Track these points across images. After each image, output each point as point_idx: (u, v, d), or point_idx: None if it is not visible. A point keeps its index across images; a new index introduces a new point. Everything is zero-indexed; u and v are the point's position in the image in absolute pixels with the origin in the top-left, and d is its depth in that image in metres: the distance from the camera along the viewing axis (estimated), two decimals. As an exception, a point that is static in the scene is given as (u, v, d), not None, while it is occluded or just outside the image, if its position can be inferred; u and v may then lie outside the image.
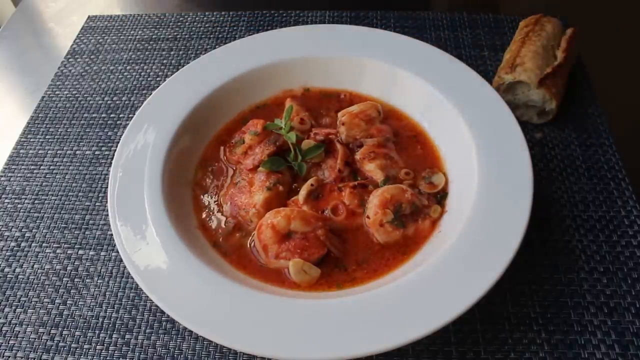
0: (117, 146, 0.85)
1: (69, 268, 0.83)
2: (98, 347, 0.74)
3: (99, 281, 0.81)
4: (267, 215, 0.77)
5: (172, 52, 1.16)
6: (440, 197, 0.83)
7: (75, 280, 0.81)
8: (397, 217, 0.78)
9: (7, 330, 0.77)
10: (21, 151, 0.99)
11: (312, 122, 0.93)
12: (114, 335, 0.75)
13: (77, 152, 0.99)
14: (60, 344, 0.75)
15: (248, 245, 0.78)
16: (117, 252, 0.82)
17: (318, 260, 0.76)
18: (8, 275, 0.83)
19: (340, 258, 0.77)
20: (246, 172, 0.86)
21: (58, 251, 0.85)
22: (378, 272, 0.76)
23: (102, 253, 0.84)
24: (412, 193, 0.81)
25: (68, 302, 0.79)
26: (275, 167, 0.84)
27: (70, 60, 1.16)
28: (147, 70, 1.12)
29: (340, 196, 0.82)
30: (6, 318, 0.78)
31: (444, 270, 0.70)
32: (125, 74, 1.12)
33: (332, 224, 0.79)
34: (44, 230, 0.88)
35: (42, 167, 0.97)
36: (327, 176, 0.85)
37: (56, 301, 0.79)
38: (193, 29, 1.21)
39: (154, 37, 1.20)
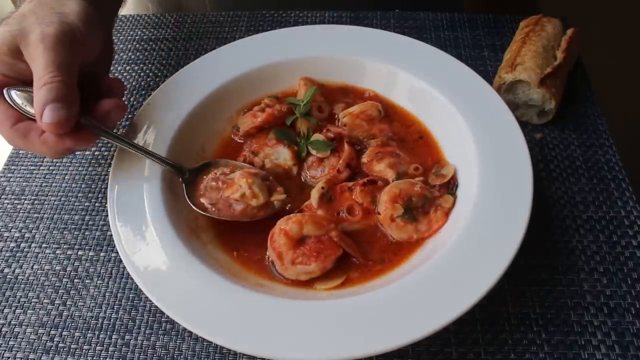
0: (117, 147, 0.85)
1: (68, 269, 0.83)
2: (98, 348, 0.74)
3: (98, 282, 0.81)
4: (278, 223, 0.77)
5: (172, 53, 1.16)
6: (451, 187, 0.83)
7: (75, 281, 0.81)
8: (407, 211, 0.78)
9: (7, 332, 0.77)
10: (21, 151, 0.99)
11: (329, 110, 0.94)
12: (114, 336, 0.75)
13: (77, 152, 0.99)
14: (59, 345, 0.75)
15: (266, 260, 0.78)
16: (117, 252, 0.81)
17: (336, 262, 0.75)
18: (8, 276, 0.83)
19: (363, 262, 0.77)
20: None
21: (58, 252, 0.85)
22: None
23: (102, 254, 0.84)
24: (422, 186, 0.81)
25: (68, 302, 0.79)
26: (284, 137, 0.87)
27: (70, 60, 1.16)
28: (147, 71, 1.12)
29: (352, 196, 0.82)
30: (6, 319, 0.78)
31: (443, 272, 0.70)
32: (125, 74, 1.12)
33: (346, 227, 0.79)
34: (43, 231, 0.88)
35: (41, 168, 0.97)
36: (325, 173, 0.85)
37: (56, 302, 0.79)
38: (193, 29, 1.21)
39: (153, 37, 1.20)
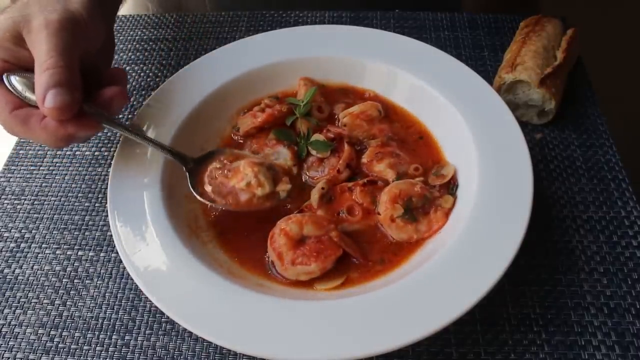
0: (116, 147, 0.85)
1: (68, 269, 0.83)
2: (97, 348, 0.74)
3: (98, 282, 0.81)
4: (278, 223, 0.77)
5: (171, 53, 1.16)
6: (451, 187, 0.83)
7: (75, 281, 0.81)
8: (407, 211, 0.78)
9: (7, 332, 0.77)
10: (20, 152, 0.99)
11: (329, 111, 0.94)
12: (114, 337, 0.75)
13: (77, 152, 0.99)
14: (59, 345, 0.75)
15: (266, 260, 0.78)
16: (117, 253, 0.81)
17: (335, 262, 0.75)
18: (8, 277, 0.83)
19: (363, 262, 0.77)
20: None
21: (57, 252, 0.85)
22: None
23: (102, 254, 0.84)
24: (422, 186, 0.81)
25: (67, 303, 0.79)
26: (284, 137, 0.87)
27: (70, 60, 1.16)
28: (147, 71, 1.12)
29: (352, 196, 0.82)
30: (6, 319, 0.78)
31: (443, 272, 0.70)
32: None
33: (346, 227, 0.79)
34: (43, 231, 0.88)
35: (41, 168, 0.97)
36: (325, 173, 0.85)
37: (56, 302, 0.79)
38: (193, 29, 1.21)
39: (153, 37, 1.20)
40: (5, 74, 0.74)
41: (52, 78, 0.69)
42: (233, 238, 0.80)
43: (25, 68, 0.74)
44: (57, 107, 0.69)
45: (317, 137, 0.88)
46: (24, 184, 0.94)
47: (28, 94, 0.73)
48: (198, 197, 0.79)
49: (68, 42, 0.71)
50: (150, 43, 1.19)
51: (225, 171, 0.81)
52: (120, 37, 1.20)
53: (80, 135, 0.75)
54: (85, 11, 0.75)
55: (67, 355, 0.74)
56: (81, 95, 0.72)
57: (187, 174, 0.80)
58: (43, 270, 0.83)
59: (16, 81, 0.73)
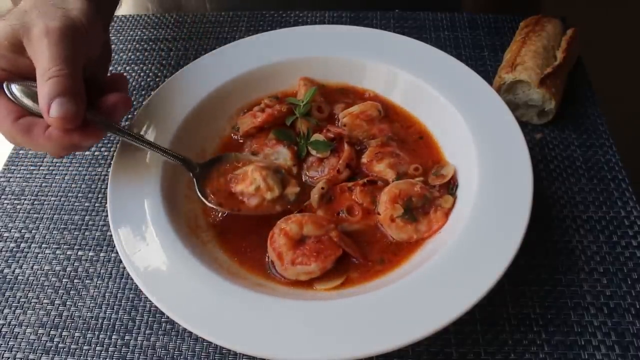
0: (116, 147, 0.85)
1: (68, 269, 0.83)
2: (97, 348, 0.74)
3: (98, 282, 0.81)
4: (277, 223, 0.77)
5: (171, 53, 1.16)
6: (451, 187, 0.83)
7: (75, 281, 0.81)
8: (407, 211, 0.78)
9: (7, 332, 0.77)
10: (20, 152, 0.99)
11: (329, 111, 0.94)
12: (114, 337, 0.75)
13: (77, 152, 0.99)
14: (59, 345, 0.75)
15: (266, 260, 0.78)
16: (117, 253, 0.81)
17: (335, 262, 0.75)
18: (7, 277, 0.83)
19: (363, 262, 0.77)
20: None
21: (57, 252, 0.85)
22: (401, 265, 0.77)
23: (102, 254, 0.84)
24: (422, 186, 0.81)
25: (67, 303, 0.79)
26: (284, 137, 0.87)
27: (70, 60, 1.16)
28: (147, 71, 1.12)
29: (352, 196, 0.82)
30: (6, 319, 0.78)
31: (443, 272, 0.70)
32: (125, 74, 1.11)
33: (346, 227, 0.79)
34: (43, 231, 0.88)
35: (41, 168, 0.97)
36: (325, 173, 0.85)
37: (55, 302, 0.79)
38: (193, 29, 1.21)
39: (153, 37, 1.20)
40: (5, 83, 0.73)
41: (56, 87, 0.67)
42: (233, 238, 0.80)
43: (25, 77, 0.73)
44: (63, 116, 0.67)
45: (317, 137, 0.88)
46: (24, 184, 0.94)
47: (29, 103, 0.72)
48: (207, 203, 0.79)
49: (70, 50, 0.70)
50: (150, 43, 1.19)
51: (233, 176, 0.81)
52: (120, 37, 1.20)
53: (84, 144, 0.74)
54: (85, 18, 0.74)
55: (67, 355, 0.74)
56: (85, 104, 0.71)
57: (195, 180, 0.80)
58: (43, 270, 0.83)
59: (17, 90, 0.72)
